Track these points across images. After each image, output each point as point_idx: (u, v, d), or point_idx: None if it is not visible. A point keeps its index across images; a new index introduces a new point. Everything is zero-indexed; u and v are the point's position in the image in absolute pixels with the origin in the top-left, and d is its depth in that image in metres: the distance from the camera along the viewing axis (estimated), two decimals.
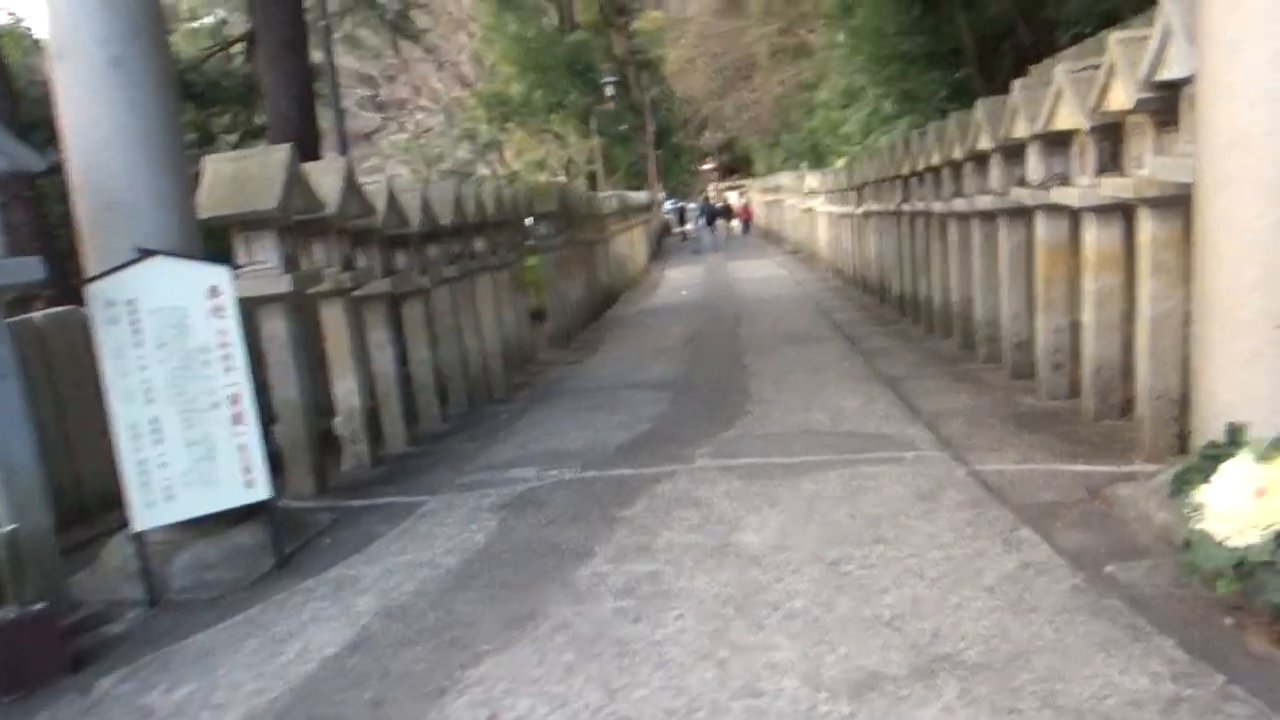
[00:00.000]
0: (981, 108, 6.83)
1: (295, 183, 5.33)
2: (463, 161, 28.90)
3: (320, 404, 6.95)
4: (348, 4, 14.81)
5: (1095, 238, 5.41)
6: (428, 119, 30.63)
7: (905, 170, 9.78)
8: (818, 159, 27.21)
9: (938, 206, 8.59)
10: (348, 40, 15.41)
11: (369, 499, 5.59)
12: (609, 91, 26.67)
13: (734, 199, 41.52)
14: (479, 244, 9.37)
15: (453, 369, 8.38)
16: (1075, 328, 6.43)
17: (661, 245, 33.28)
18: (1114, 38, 4.58)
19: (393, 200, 6.64)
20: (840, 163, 22.00)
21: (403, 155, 27.79)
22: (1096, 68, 5.18)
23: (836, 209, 16.88)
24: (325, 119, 15.44)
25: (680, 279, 21.70)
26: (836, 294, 15.05)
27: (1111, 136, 5.18)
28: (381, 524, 5.01)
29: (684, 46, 49.51)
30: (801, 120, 27.81)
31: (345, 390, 6.32)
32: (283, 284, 5.27)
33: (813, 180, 20.95)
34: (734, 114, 37.83)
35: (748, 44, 30.42)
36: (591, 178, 27.93)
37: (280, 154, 5.37)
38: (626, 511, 4.59)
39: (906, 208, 10.05)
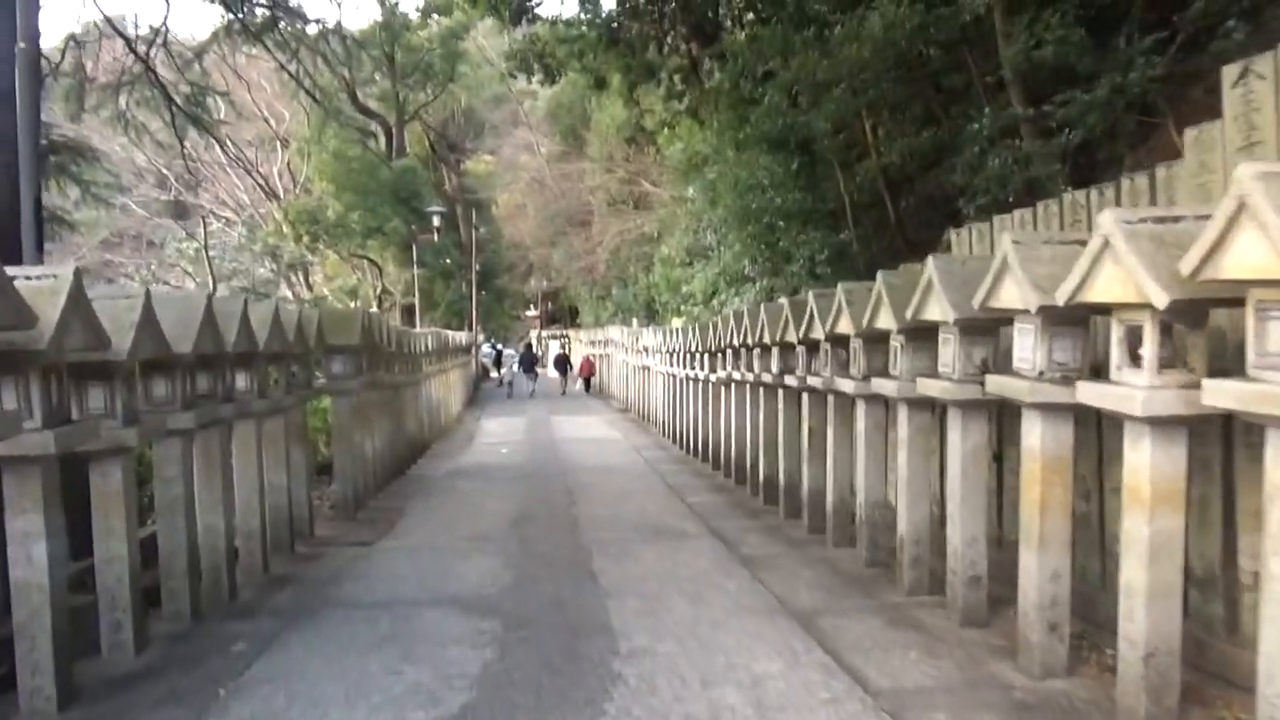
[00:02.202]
0: (935, 269, 5.25)
1: None
2: (262, 280, 25.81)
3: None
4: (123, 76, 12.22)
5: (1152, 461, 3.72)
6: (227, 230, 27.44)
7: (792, 337, 8.17)
8: (652, 316, 26.17)
9: (846, 385, 6.92)
10: (120, 120, 12.67)
11: None
12: (435, 222, 24.75)
13: (556, 348, 39.98)
14: (241, 381, 6.83)
15: (174, 562, 5.68)
16: (1081, 572, 4.76)
17: (478, 391, 30.90)
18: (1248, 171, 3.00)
19: (76, 306, 4.13)
20: (677, 322, 20.83)
21: (188, 266, 24.38)
22: (1178, 219, 3.64)
23: (680, 371, 15.32)
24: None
25: (499, 432, 19.39)
26: (682, 467, 13.21)
27: (1188, 318, 3.60)
28: None
29: (516, 191, 49.04)
30: (638, 274, 26.83)
31: None
32: None
33: (650, 338, 19.55)
34: (564, 262, 36.77)
35: (586, 191, 29.61)
36: (409, 311, 25.52)
37: None
38: None
39: (792, 380, 8.38)
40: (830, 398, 7.51)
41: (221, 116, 15.08)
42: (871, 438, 6.81)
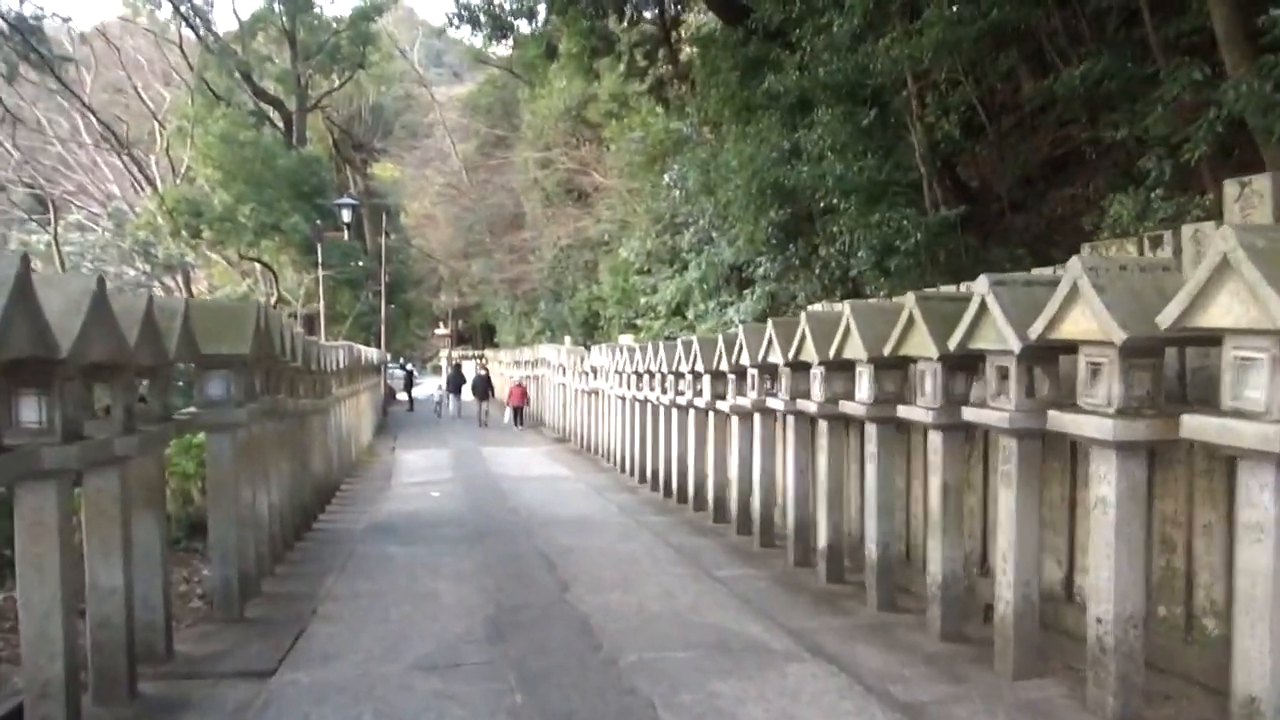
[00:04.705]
0: None
1: None
2: (131, 283, 21.87)
3: None
4: None
5: None
6: (91, 224, 23.29)
7: (922, 350, 5.47)
8: (591, 333, 23.24)
9: (1078, 424, 4.22)
10: None
11: None
12: (345, 216, 21.24)
13: (471, 370, 36.52)
14: (29, 412, 3.74)
15: None
16: None
17: (386, 416, 27.32)
18: None
19: None
20: (627, 338, 18.06)
21: (38, 264, 20.29)
22: None
23: (657, 397, 12.50)
24: None
25: (422, 467, 16.18)
26: (671, 517, 10.39)
27: None
28: None
29: (425, 200, 45.50)
30: (577, 285, 23.80)
31: None
32: None
33: (602, 357, 16.66)
34: (485, 274, 33.44)
35: (515, 193, 26.50)
36: (309, 322, 21.94)
37: None
38: None
39: (918, 414, 5.63)
40: (1014, 442, 4.79)
41: (72, 56, 11.57)
42: (1126, 512, 4.14)
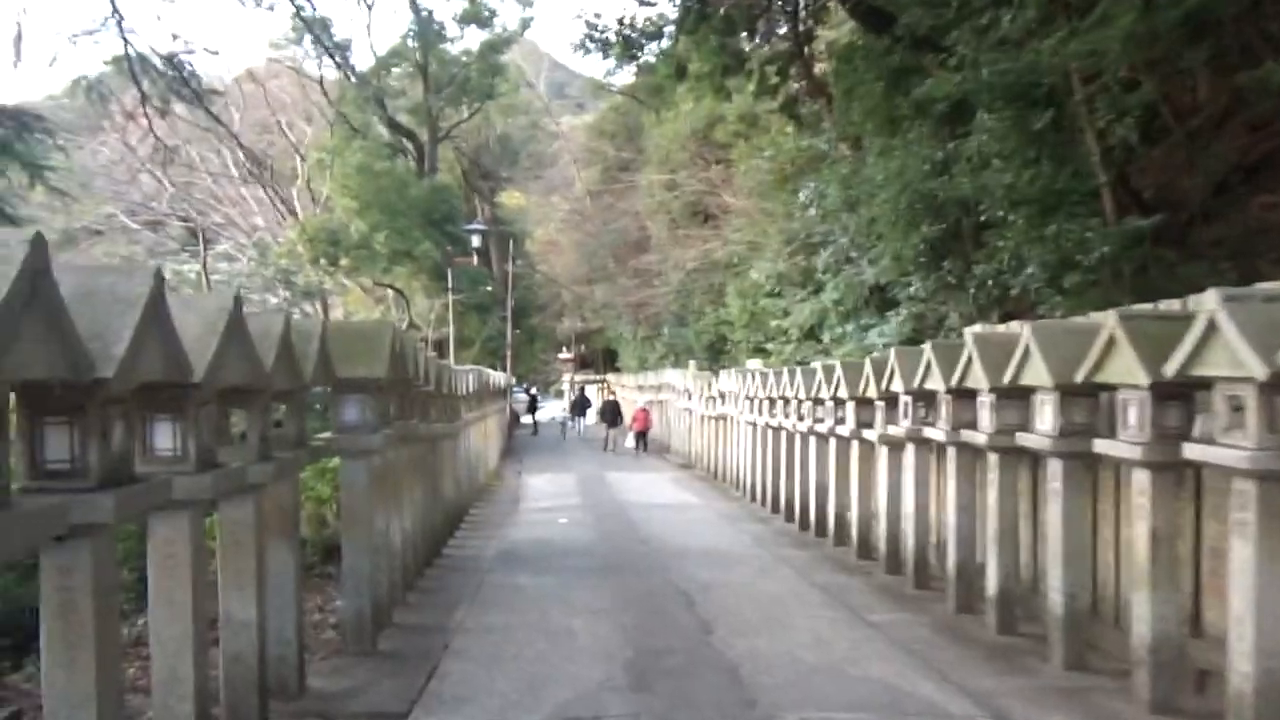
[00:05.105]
0: None
1: None
2: (274, 309, 22.64)
3: None
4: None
5: None
6: (237, 255, 24.39)
7: (1133, 377, 4.75)
8: (715, 356, 22.76)
9: None
10: (81, 86, 9.59)
11: None
12: (475, 242, 21.55)
13: (594, 394, 36.50)
14: (163, 439, 3.54)
15: None
16: None
17: (512, 438, 27.50)
18: None
19: None
20: (754, 363, 17.47)
21: (189, 290, 21.32)
22: None
23: (789, 423, 11.95)
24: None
25: (547, 491, 15.99)
26: (806, 551, 9.83)
27: None
28: None
29: (550, 227, 46.13)
30: (704, 309, 23.40)
31: None
32: None
33: (731, 382, 16.15)
34: (608, 298, 33.47)
35: (641, 217, 26.36)
36: (439, 347, 22.33)
37: None
38: None
39: (1123, 449, 4.90)
40: (1253, 485, 4.04)
41: (221, 89, 12.02)
42: None
